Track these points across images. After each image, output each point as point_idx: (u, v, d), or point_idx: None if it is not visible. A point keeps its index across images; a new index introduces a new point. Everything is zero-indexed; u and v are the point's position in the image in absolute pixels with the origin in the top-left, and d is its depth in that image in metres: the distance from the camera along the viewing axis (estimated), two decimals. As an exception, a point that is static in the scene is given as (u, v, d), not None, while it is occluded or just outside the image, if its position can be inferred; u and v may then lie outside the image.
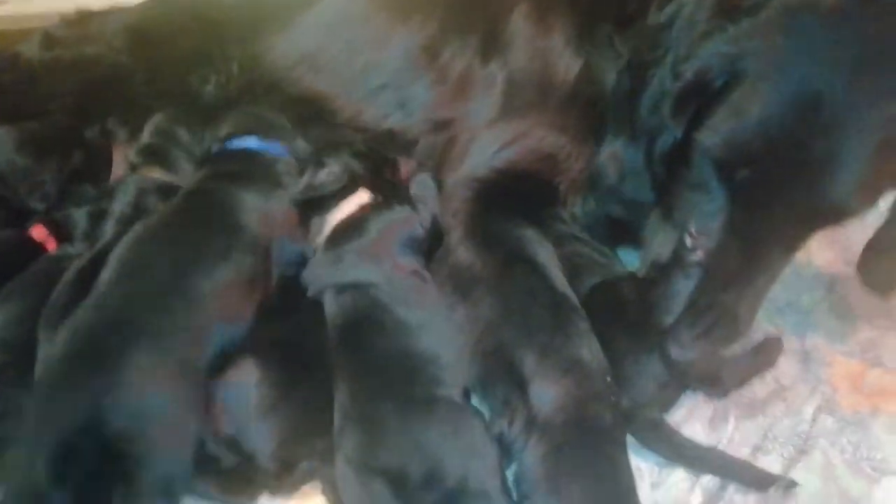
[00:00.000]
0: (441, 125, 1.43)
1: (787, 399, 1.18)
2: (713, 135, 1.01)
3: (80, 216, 1.40)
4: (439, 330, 1.10)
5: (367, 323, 1.10)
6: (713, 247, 1.03)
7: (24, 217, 1.47)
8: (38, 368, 1.06)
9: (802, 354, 1.26)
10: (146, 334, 0.95)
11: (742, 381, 1.11)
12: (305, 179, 1.30)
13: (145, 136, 1.48)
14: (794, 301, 1.36)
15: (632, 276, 1.19)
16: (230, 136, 1.40)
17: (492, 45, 1.42)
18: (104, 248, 1.24)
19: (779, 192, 0.98)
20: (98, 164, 1.58)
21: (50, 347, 1.05)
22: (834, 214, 1.01)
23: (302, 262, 1.25)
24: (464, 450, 0.95)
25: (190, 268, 1.04)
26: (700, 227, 1.04)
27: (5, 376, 1.09)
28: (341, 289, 1.16)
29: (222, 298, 1.05)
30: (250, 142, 1.37)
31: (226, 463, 0.99)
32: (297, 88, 1.60)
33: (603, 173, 1.25)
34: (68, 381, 0.91)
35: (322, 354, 1.11)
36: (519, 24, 1.41)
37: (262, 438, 0.99)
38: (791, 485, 1.00)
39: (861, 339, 1.30)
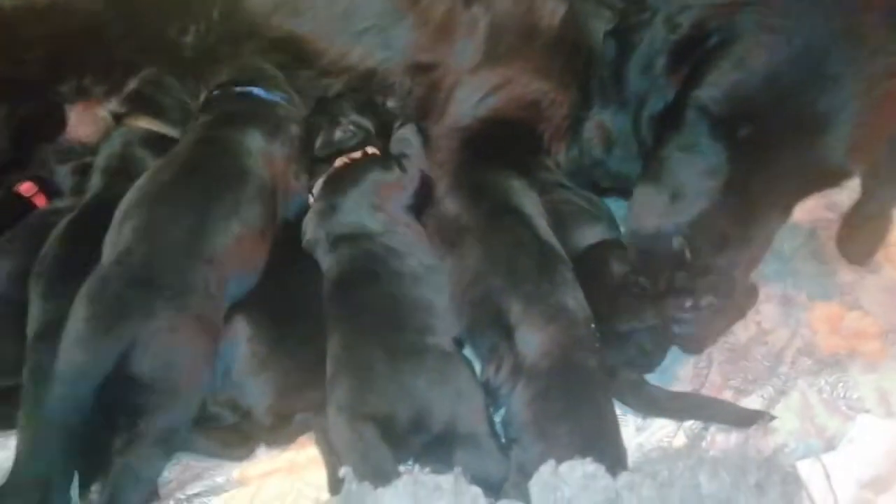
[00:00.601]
0: (424, 68, 1.41)
1: (767, 343, 1.21)
2: (714, 89, 0.99)
3: (63, 172, 1.39)
4: (432, 280, 1.12)
5: (362, 274, 1.12)
6: (706, 208, 1.02)
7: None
8: (31, 323, 1.07)
9: (783, 299, 1.29)
10: (167, 290, 0.99)
11: (720, 333, 1.13)
12: (323, 137, 1.32)
13: (132, 84, 1.46)
14: (775, 248, 1.35)
15: (620, 243, 1.18)
16: (233, 83, 1.39)
17: None
18: (93, 201, 1.25)
19: (781, 150, 0.97)
20: (50, 121, 1.55)
21: (42, 302, 1.09)
22: (831, 174, 1.01)
23: (304, 209, 1.27)
24: (452, 396, 0.98)
25: (204, 227, 1.07)
26: (692, 188, 1.03)
27: (2, 328, 1.10)
28: (337, 241, 1.17)
29: (235, 253, 1.09)
30: (253, 90, 1.37)
31: (223, 419, 1.01)
32: (279, 33, 1.55)
33: (589, 145, 1.23)
34: (95, 331, 0.94)
35: (313, 309, 1.12)
36: None
37: (257, 393, 1.02)
38: (770, 419, 1.03)
39: (840, 282, 1.33)
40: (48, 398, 0.92)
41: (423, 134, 1.32)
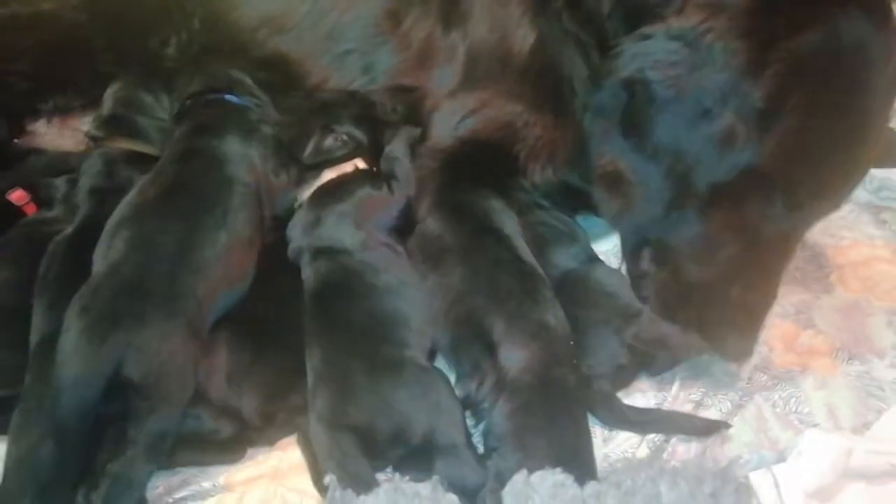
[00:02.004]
0: (404, 90, 1.46)
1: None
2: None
3: (60, 183, 1.42)
4: (407, 295, 1.17)
5: (339, 288, 1.16)
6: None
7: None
8: (34, 334, 1.11)
9: (742, 317, 1.37)
10: (157, 298, 1.03)
11: (689, 354, 1.20)
12: (313, 143, 1.35)
13: (106, 108, 1.48)
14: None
15: (600, 264, 1.26)
16: (204, 91, 1.42)
17: (453, 12, 1.45)
18: (87, 220, 1.27)
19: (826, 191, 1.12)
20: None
21: (43, 312, 1.12)
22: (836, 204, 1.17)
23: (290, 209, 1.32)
24: (430, 408, 1.03)
25: (192, 239, 1.11)
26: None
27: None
28: (316, 253, 1.21)
29: (224, 264, 1.13)
30: (224, 96, 1.40)
31: (221, 432, 1.06)
32: (263, 51, 1.59)
33: (599, 192, 1.28)
34: (90, 340, 0.97)
35: (295, 312, 1.17)
36: None
37: (245, 396, 1.07)
38: (727, 427, 1.11)
39: (795, 301, 1.40)
40: (54, 409, 0.95)
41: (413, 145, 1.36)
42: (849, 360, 1.28)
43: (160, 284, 1.04)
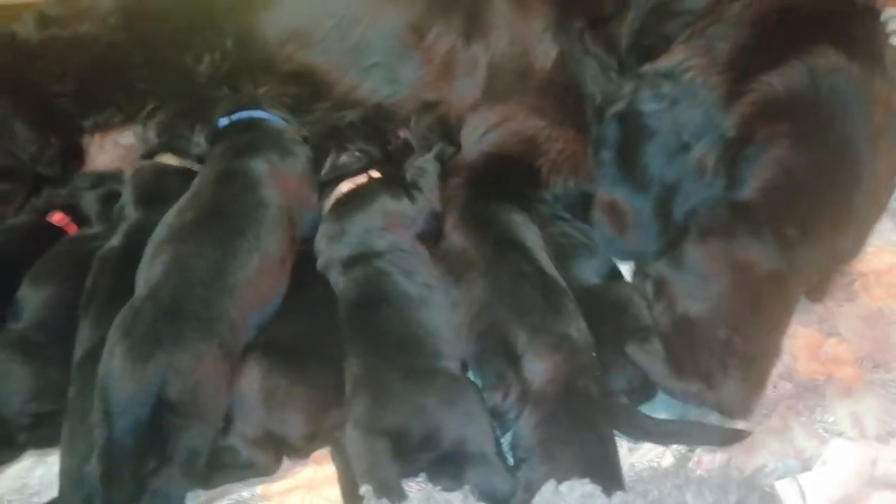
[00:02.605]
0: (429, 105, 1.50)
1: (751, 368, 1.30)
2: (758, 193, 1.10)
3: (90, 199, 1.47)
4: (439, 305, 1.20)
5: (375, 296, 1.20)
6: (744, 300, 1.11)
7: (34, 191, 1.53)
8: (79, 346, 1.16)
9: (766, 326, 1.38)
10: (195, 322, 1.07)
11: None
12: (330, 161, 1.41)
13: (151, 139, 1.56)
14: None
15: (620, 280, 1.28)
16: (235, 110, 1.47)
17: (474, 26, 1.49)
18: (133, 232, 1.32)
19: (812, 245, 1.09)
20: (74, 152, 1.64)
21: (89, 326, 1.17)
22: (844, 260, 1.16)
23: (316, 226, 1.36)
24: (461, 416, 1.06)
25: (227, 262, 1.15)
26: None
27: (47, 354, 1.18)
28: (348, 262, 1.26)
29: (257, 284, 1.17)
30: (256, 112, 1.45)
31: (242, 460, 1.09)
32: (291, 65, 1.65)
33: (600, 225, 1.31)
34: (135, 362, 1.01)
35: (324, 330, 1.20)
36: (500, 7, 1.48)
37: (289, 424, 1.10)
38: (747, 435, 1.11)
39: (819, 310, 1.40)
40: (108, 430, 0.98)
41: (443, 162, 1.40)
42: (873, 368, 1.29)
43: (196, 308, 1.08)
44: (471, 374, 1.20)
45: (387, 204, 1.33)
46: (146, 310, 1.07)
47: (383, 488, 0.98)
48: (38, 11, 1.73)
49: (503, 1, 1.47)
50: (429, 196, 1.34)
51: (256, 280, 1.16)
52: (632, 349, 1.13)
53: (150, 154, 1.52)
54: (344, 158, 1.41)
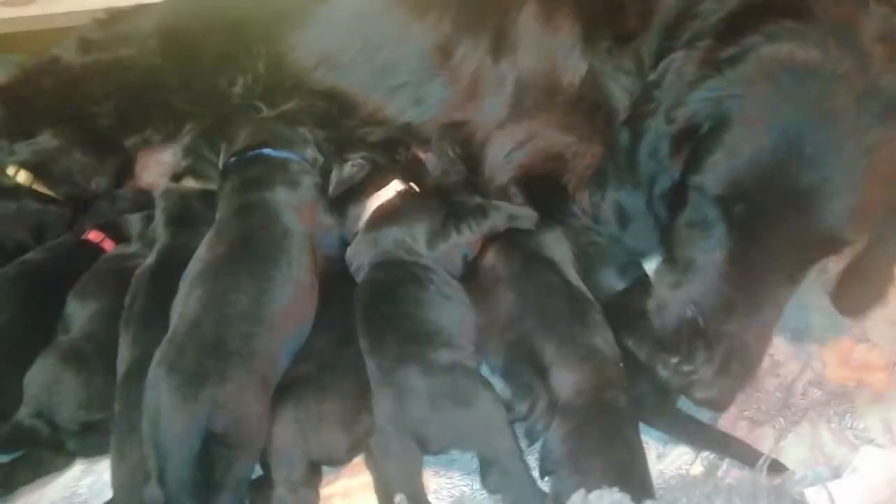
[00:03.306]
0: (456, 125, 1.53)
1: (780, 375, 1.30)
2: (709, 174, 1.10)
3: (135, 220, 1.54)
4: (452, 309, 1.23)
5: (385, 295, 1.24)
6: (713, 279, 1.11)
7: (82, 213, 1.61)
8: (121, 364, 1.21)
9: (796, 333, 1.38)
10: (238, 357, 1.10)
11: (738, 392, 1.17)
12: (334, 177, 1.43)
13: (182, 158, 1.62)
14: (789, 283, 1.46)
15: (644, 290, 1.27)
16: (246, 149, 1.50)
17: (502, 44, 1.52)
18: (164, 253, 1.38)
19: (772, 224, 1.07)
20: (125, 169, 1.72)
21: (129, 344, 1.23)
22: (829, 243, 1.10)
23: (342, 246, 1.40)
24: (478, 417, 1.09)
25: (263, 294, 1.18)
26: (700, 260, 1.14)
27: (94, 365, 1.24)
28: (377, 265, 1.30)
29: (293, 313, 1.21)
30: (263, 151, 1.47)
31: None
32: (321, 87, 1.70)
33: (607, 224, 1.34)
34: (185, 399, 1.05)
35: (344, 340, 1.24)
36: (527, 24, 1.50)
37: (329, 444, 1.13)
38: (777, 466, 1.08)
39: (849, 316, 1.42)
40: (164, 467, 1.02)
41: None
42: (905, 374, 1.29)
43: (238, 343, 1.11)
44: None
45: (414, 214, 1.35)
46: (189, 346, 1.11)
47: (407, 485, 1.03)
48: (80, 36, 1.81)
49: (530, 18, 1.49)
50: (468, 238, 1.31)
51: (292, 309, 1.20)
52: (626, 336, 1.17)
53: (177, 177, 1.58)
54: (347, 169, 1.43)
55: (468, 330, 1.21)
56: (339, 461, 1.15)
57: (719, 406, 1.15)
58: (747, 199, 1.07)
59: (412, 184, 1.44)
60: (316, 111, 1.63)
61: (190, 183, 1.56)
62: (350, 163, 1.44)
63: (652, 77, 1.25)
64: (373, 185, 1.43)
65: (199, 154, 1.59)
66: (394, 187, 1.42)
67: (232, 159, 1.48)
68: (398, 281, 1.25)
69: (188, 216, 1.45)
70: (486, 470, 1.10)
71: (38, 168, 1.62)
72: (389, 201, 1.40)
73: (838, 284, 1.34)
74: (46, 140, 1.65)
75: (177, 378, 1.07)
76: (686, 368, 1.08)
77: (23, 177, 1.61)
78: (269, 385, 1.13)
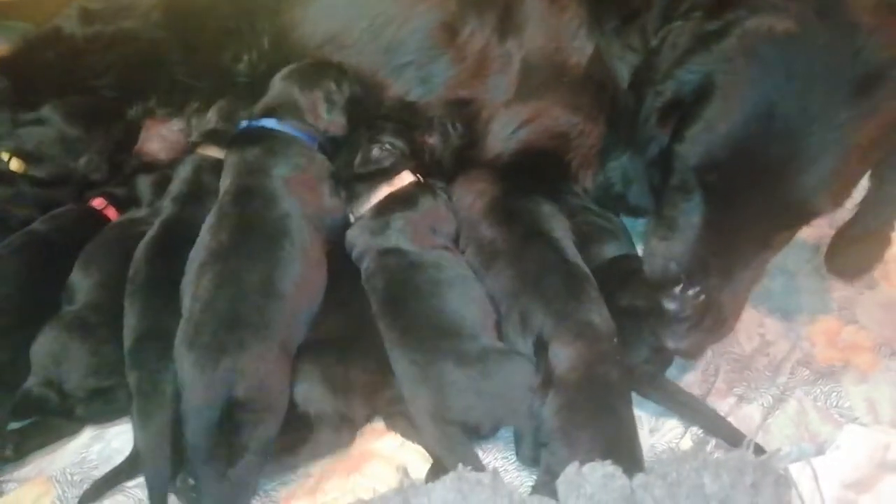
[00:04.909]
0: (461, 103, 1.54)
1: (769, 354, 1.34)
2: (689, 146, 1.14)
3: (144, 183, 1.55)
4: (469, 287, 1.27)
5: (407, 288, 1.26)
6: (691, 240, 1.17)
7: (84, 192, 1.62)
8: (128, 334, 1.24)
9: (786, 314, 1.42)
10: (253, 328, 1.15)
11: (708, 345, 1.25)
12: (361, 155, 1.45)
13: (211, 122, 1.61)
14: (782, 264, 1.49)
15: (635, 257, 1.33)
16: (251, 117, 1.52)
17: (508, 23, 1.51)
18: (168, 224, 1.40)
19: (744, 193, 1.11)
20: (131, 138, 1.72)
21: (136, 315, 1.25)
22: (800, 212, 1.13)
23: (344, 226, 1.42)
24: (519, 391, 1.13)
25: (273, 274, 1.22)
26: (682, 222, 1.19)
27: (98, 335, 1.27)
28: (385, 253, 1.32)
29: (303, 288, 1.24)
30: (268, 122, 1.48)
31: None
32: None
33: (611, 183, 1.37)
34: (204, 370, 1.10)
35: (361, 319, 1.28)
36: (534, 3, 1.49)
37: (355, 406, 1.19)
38: (758, 450, 1.08)
39: (839, 297, 1.45)
40: (187, 434, 1.09)
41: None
42: (891, 355, 1.33)
43: (253, 315, 1.15)
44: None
45: (429, 203, 1.40)
46: (205, 321, 1.15)
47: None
48: (81, 7, 1.79)
49: None
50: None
51: (302, 284, 1.24)
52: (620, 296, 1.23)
53: (194, 146, 1.58)
54: (376, 152, 1.46)
55: (488, 312, 1.24)
56: (357, 423, 1.20)
57: (689, 356, 1.23)
58: (721, 170, 1.11)
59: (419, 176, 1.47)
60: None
61: (212, 152, 1.55)
62: (379, 146, 1.47)
63: (653, 44, 1.27)
64: (393, 171, 1.45)
65: (234, 119, 1.58)
66: (406, 177, 1.45)
67: (242, 125, 1.49)
68: (413, 268, 1.28)
69: (198, 191, 1.47)
70: (521, 442, 1.15)
71: (28, 155, 1.62)
72: (402, 189, 1.42)
73: (831, 247, 1.37)
74: (44, 116, 1.64)
75: (196, 351, 1.11)
76: (692, 292, 1.14)
77: (15, 164, 1.62)
78: (289, 352, 1.18)
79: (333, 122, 1.51)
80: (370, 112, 1.56)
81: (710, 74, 1.12)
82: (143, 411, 1.15)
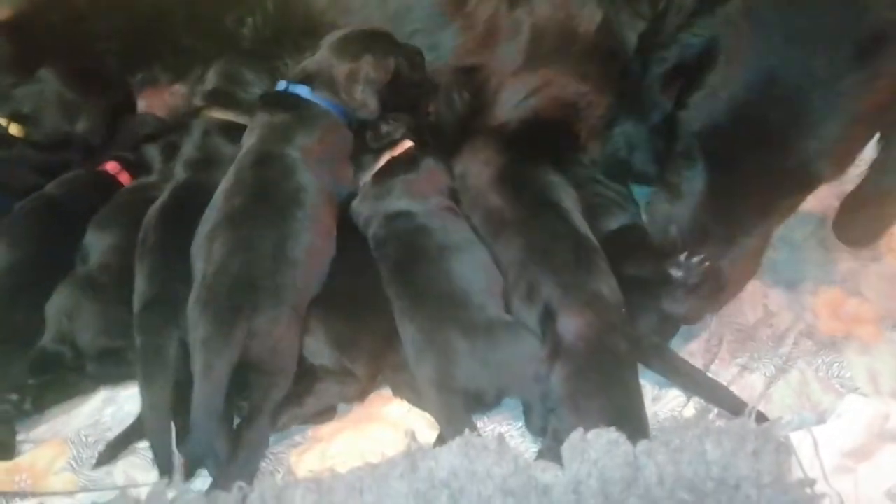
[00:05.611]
0: (469, 70, 1.53)
1: (773, 325, 1.36)
2: (692, 112, 1.14)
3: (153, 150, 1.56)
4: (477, 254, 1.28)
5: (416, 254, 1.27)
6: (692, 206, 1.17)
7: (89, 156, 1.62)
8: (137, 298, 1.25)
9: (790, 285, 1.43)
10: (266, 291, 1.16)
11: (708, 312, 1.28)
12: (372, 131, 1.46)
13: (210, 82, 1.60)
14: (787, 236, 1.50)
15: (642, 226, 1.33)
16: (289, 81, 1.50)
17: None
18: (180, 188, 1.41)
19: (745, 159, 1.11)
20: (129, 102, 1.72)
21: (145, 279, 1.27)
22: (802, 179, 1.13)
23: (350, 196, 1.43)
24: (525, 362, 1.15)
25: (284, 241, 1.23)
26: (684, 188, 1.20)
27: (109, 296, 1.29)
28: (392, 217, 1.34)
29: (313, 255, 1.26)
30: (302, 90, 1.47)
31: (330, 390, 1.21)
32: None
33: (616, 150, 1.38)
34: (218, 330, 1.12)
35: (369, 284, 1.29)
36: None
37: (357, 365, 1.21)
38: (760, 419, 1.11)
39: (843, 269, 1.46)
40: (198, 393, 1.10)
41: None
42: (893, 327, 1.34)
43: (266, 279, 1.17)
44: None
45: (430, 165, 1.40)
46: (219, 283, 1.16)
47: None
48: (85, -31, 1.77)
49: None
50: None
51: (312, 251, 1.25)
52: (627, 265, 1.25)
53: (198, 110, 1.57)
54: (385, 127, 1.46)
55: (495, 278, 1.25)
56: (360, 381, 1.22)
57: (687, 321, 1.24)
58: (722, 136, 1.11)
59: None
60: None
61: (217, 113, 1.55)
62: (385, 121, 1.47)
63: (661, 7, 1.27)
64: (399, 141, 1.46)
65: (235, 79, 1.58)
66: (406, 143, 1.46)
67: (280, 86, 1.48)
68: (421, 231, 1.29)
69: (208, 155, 1.47)
70: (531, 413, 1.16)
71: (26, 118, 1.63)
72: (403, 153, 1.43)
73: (839, 214, 1.36)
74: (40, 80, 1.64)
75: (211, 312, 1.13)
76: (696, 259, 1.15)
77: (14, 129, 1.62)
78: (300, 316, 1.20)
79: (363, 102, 1.45)
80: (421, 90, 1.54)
81: (714, 39, 1.11)
82: (147, 374, 1.17)
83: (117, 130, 1.66)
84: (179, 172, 1.46)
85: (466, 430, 1.07)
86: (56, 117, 1.64)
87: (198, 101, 1.57)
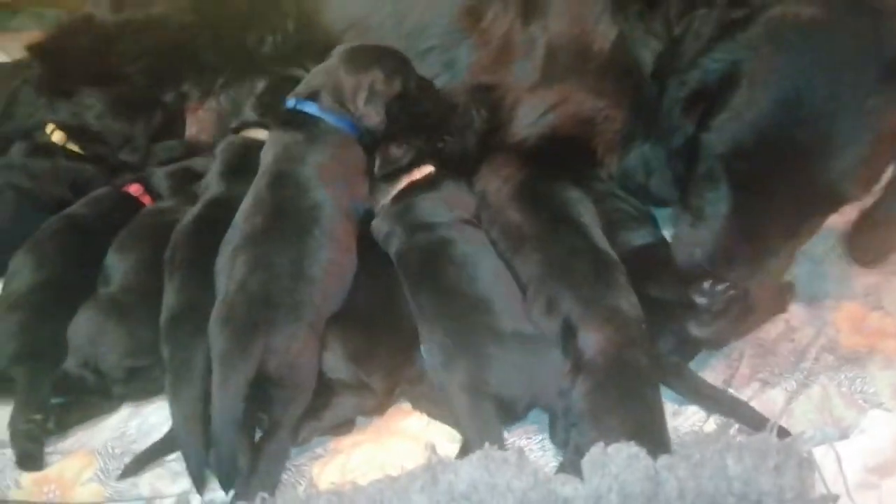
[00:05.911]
0: (486, 88, 1.55)
1: (794, 339, 1.34)
2: (716, 134, 1.14)
3: (160, 175, 1.60)
4: (498, 268, 1.29)
5: (440, 261, 1.28)
6: (719, 229, 1.17)
7: (114, 173, 1.67)
8: (164, 314, 1.28)
9: (812, 299, 1.42)
10: (284, 309, 1.19)
11: (756, 327, 1.27)
12: (379, 158, 1.47)
13: (248, 111, 1.64)
14: (808, 250, 1.47)
15: (664, 245, 1.34)
16: (297, 97, 1.53)
17: (531, 7, 1.52)
18: (214, 202, 1.44)
19: (770, 181, 1.12)
20: (173, 124, 1.76)
21: (174, 292, 1.30)
22: (829, 200, 1.14)
23: (368, 218, 1.44)
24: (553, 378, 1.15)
25: (302, 259, 1.25)
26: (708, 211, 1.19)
27: (134, 317, 1.31)
28: (413, 230, 1.35)
29: (332, 272, 1.28)
30: (310, 107, 1.49)
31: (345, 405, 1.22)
32: None
33: (633, 173, 1.38)
34: (236, 346, 1.14)
35: (387, 300, 1.31)
36: None
37: (373, 380, 1.22)
38: (782, 433, 1.09)
39: (864, 283, 1.45)
40: (217, 408, 1.12)
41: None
42: (917, 342, 1.32)
43: (284, 296, 1.19)
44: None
45: (450, 186, 1.43)
46: (239, 301, 1.19)
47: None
48: (111, -7, 1.83)
49: None
50: None
51: (330, 268, 1.27)
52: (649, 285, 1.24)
53: (239, 128, 1.61)
54: (394, 151, 1.47)
55: (514, 291, 1.26)
56: (377, 395, 1.23)
57: (713, 345, 1.23)
58: (748, 158, 1.12)
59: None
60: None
61: (256, 135, 1.58)
62: (395, 145, 1.48)
63: (676, 32, 1.28)
64: (413, 167, 1.48)
65: (271, 107, 1.61)
66: (426, 168, 1.48)
67: (289, 103, 1.50)
68: (443, 241, 1.31)
69: (246, 168, 1.48)
70: (556, 424, 1.17)
71: (74, 130, 1.68)
72: (424, 177, 1.46)
73: (853, 233, 1.37)
74: (86, 100, 1.69)
75: (230, 328, 1.15)
76: (721, 287, 1.14)
77: (58, 136, 1.67)
78: (317, 331, 1.21)
79: (368, 112, 1.48)
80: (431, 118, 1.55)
81: (736, 63, 1.12)
82: (175, 386, 1.19)
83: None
84: (215, 185, 1.49)
85: (486, 444, 1.07)
86: (105, 136, 1.70)
87: (235, 125, 1.61)
